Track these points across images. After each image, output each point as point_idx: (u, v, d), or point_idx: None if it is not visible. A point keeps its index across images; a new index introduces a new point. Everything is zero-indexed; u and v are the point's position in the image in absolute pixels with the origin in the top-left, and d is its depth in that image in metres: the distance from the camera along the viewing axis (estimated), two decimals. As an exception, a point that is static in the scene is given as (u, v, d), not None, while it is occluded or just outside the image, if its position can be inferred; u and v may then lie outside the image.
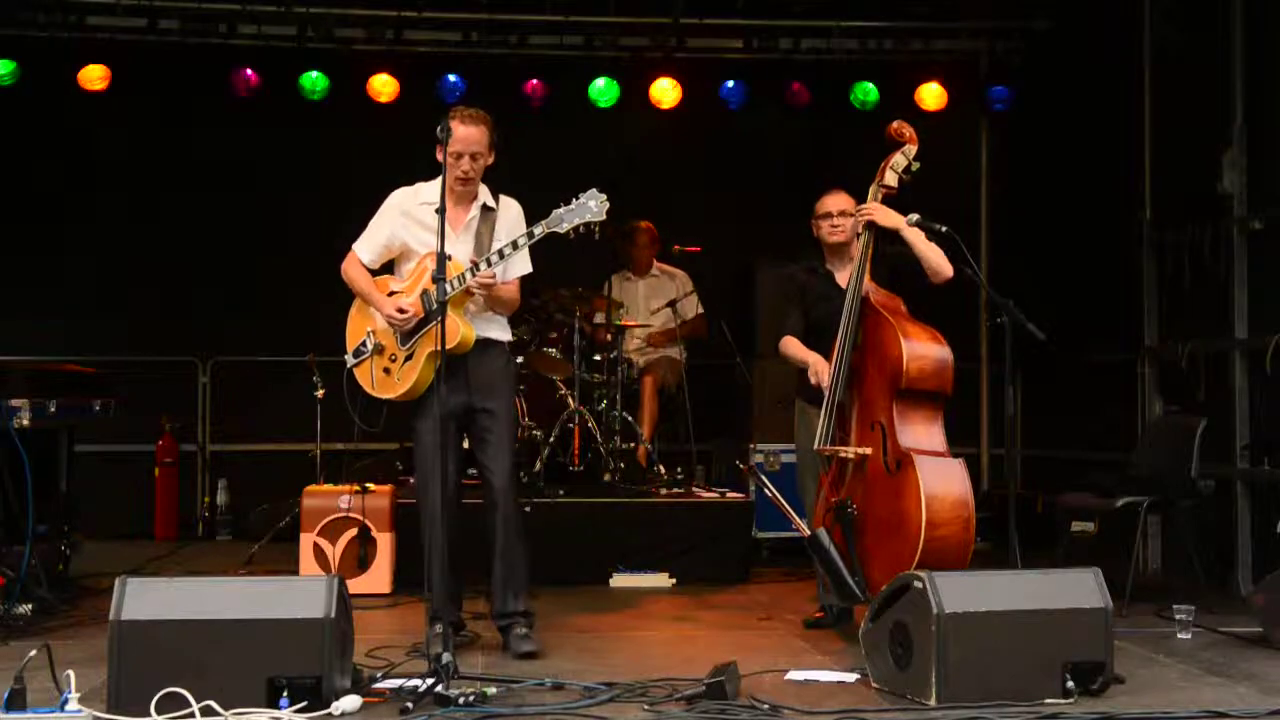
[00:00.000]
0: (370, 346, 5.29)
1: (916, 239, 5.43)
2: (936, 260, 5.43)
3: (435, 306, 4.92)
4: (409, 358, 5.18)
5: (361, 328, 5.35)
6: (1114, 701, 4.27)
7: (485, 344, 5.24)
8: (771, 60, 9.25)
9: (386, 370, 5.26)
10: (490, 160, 5.21)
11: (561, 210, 5.04)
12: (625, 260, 8.43)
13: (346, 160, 8.96)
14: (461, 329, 5.10)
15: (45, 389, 5.83)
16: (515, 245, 5.08)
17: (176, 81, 8.87)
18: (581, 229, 5.04)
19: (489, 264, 5.06)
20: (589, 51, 9.15)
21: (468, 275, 5.03)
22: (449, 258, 4.85)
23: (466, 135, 5.08)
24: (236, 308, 9.14)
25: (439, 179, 5.14)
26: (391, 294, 5.25)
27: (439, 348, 4.82)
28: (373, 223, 5.35)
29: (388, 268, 5.41)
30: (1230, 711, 4.15)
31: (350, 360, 5.37)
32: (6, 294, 8.91)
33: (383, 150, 8.72)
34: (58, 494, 6.35)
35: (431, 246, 4.97)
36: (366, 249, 5.33)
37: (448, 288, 4.91)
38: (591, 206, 5.01)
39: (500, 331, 5.35)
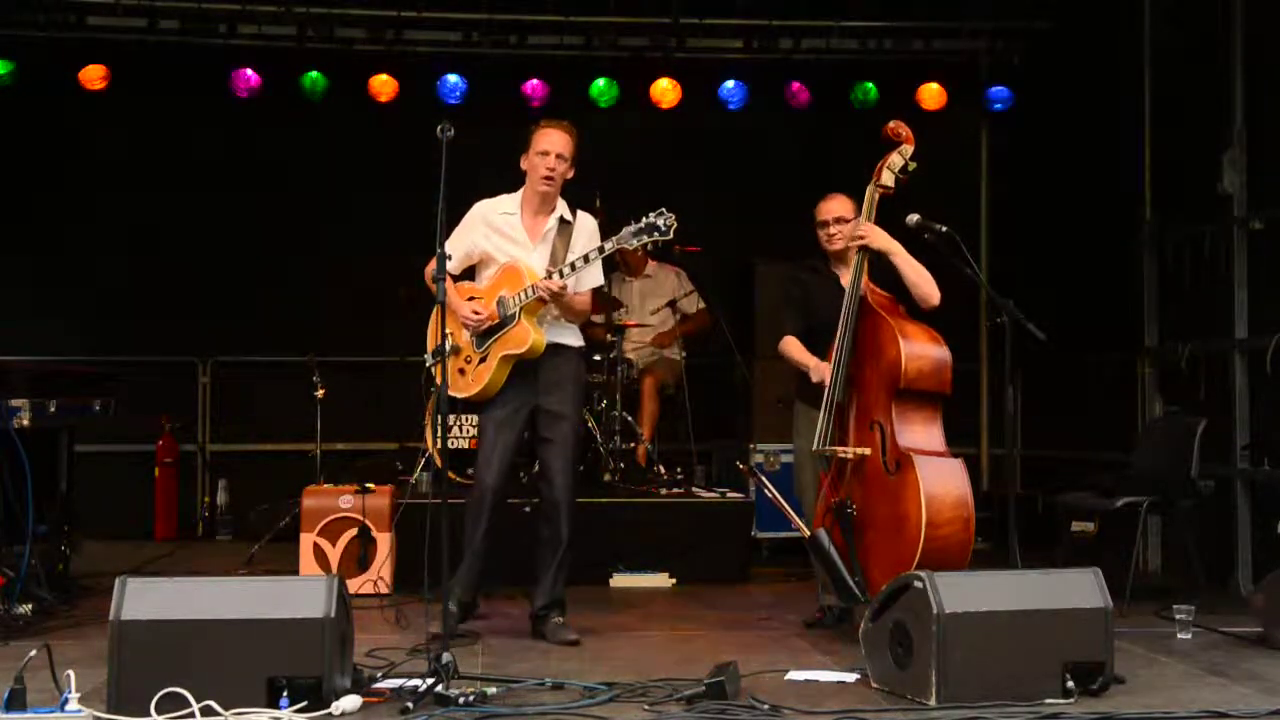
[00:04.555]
0: (449, 347, 5.46)
1: (906, 265, 5.46)
2: (925, 287, 5.44)
3: (510, 313, 5.30)
4: (483, 360, 5.41)
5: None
6: (1114, 701, 4.26)
7: (556, 349, 5.46)
8: (771, 60, 9.25)
9: (461, 371, 5.49)
10: (571, 172, 5.46)
11: (630, 229, 5.26)
12: (619, 263, 8.45)
13: (346, 160, 8.98)
14: (533, 335, 5.34)
15: (45, 389, 5.83)
16: (586, 259, 5.33)
17: (176, 81, 8.87)
18: (649, 246, 5.36)
19: (561, 275, 5.29)
20: (589, 51, 9.16)
21: (542, 284, 5.28)
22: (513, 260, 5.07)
23: (553, 136, 5.40)
24: (236, 308, 9.14)
25: (519, 191, 5.50)
26: (471, 299, 5.45)
27: (509, 351, 5.28)
28: (456, 230, 5.55)
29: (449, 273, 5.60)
30: (1231, 711, 4.15)
31: (428, 360, 5.61)
32: (6, 294, 8.92)
33: (383, 150, 8.78)
34: (58, 494, 6.35)
35: (511, 255, 5.40)
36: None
37: (522, 295, 5.27)
38: (660, 225, 5.23)
39: (572, 337, 5.56)
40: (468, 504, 5.42)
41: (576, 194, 5.65)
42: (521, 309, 5.29)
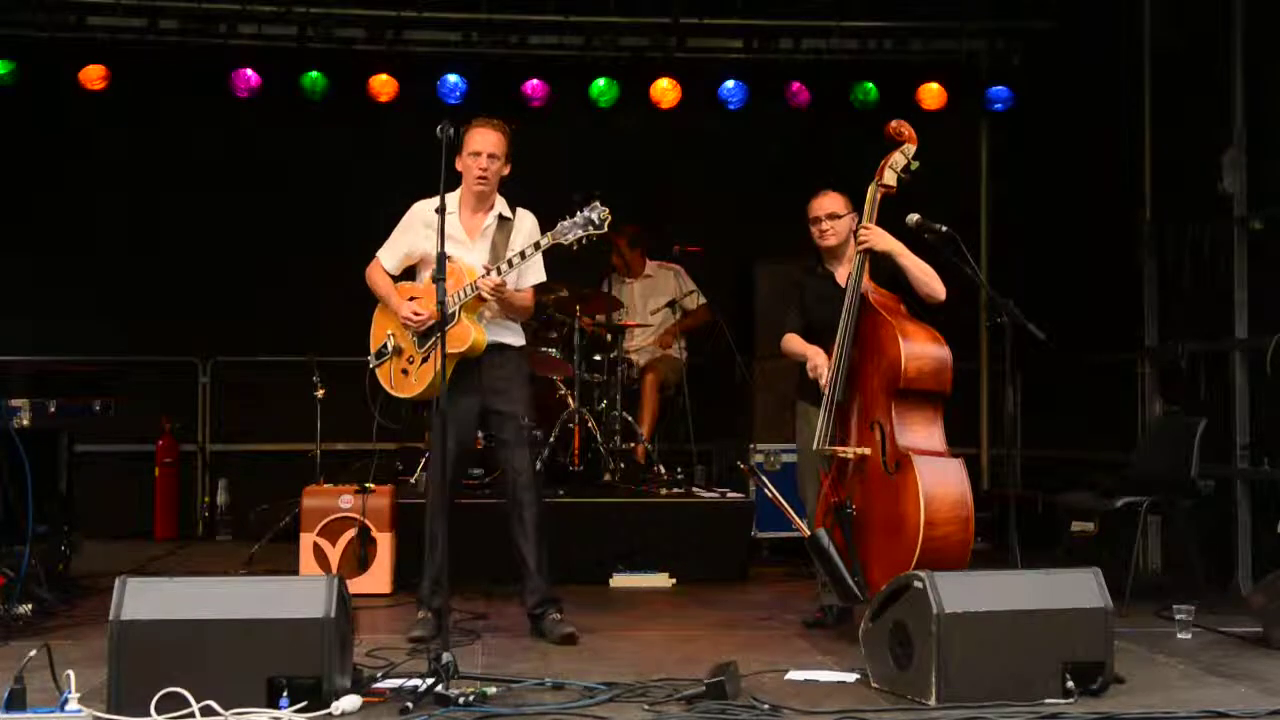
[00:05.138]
0: (390, 348, 5.52)
1: (910, 264, 5.45)
2: (931, 284, 5.44)
3: (450, 312, 5.17)
4: (425, 359, 5.38)
5: (383, 330, 5.59)
6: (1114, 701, 4.27)
7: (498, 348, 5.45)
8: (771, 60, 9.25)
9: (405, 371, 5.49)
10: (506, 169, 5.44)
11: (566, 223, 5.26)
12: (618, 266, 8.43)
13: (346, 160, 8.98)
14: (474, 333, 5.32)
15: (45, 389, 5.84)
16: (523, 255, 5.31)
17: (176, 81, 8.87)
18: (585, 240, 5.28)
19: (499, 271, 5.27)
20: (589, 51, 9.16)
21: (479, 281, 5.24)
22: (449, 257, 4.96)
23: (485, 136, 5.36)
24: (236, 308, 9.13)
25: (457, 190, 5.45)
26: (411, 299, 5.45)
27: (450, 349, 5.06)
28: (395, 231, 5.58)
29: (408, 275, 5.62)
30: (1230, 711, 4.15)
31: (372, 361, 5.63)
32: (7, 294, 8.91)
33: (383, 150, 8.78)
34: (58, 494, 6.35)
35: (450, 254, 5.20)
36: (389, 256, 5.58)
37: (461, 294, 5.22)
38: (594, 219, 5.23)
39: (513, 336, 5.55)
40: (429, 506, 5.39)
41: (577, 194, 5.59)
42: (461, 307, 5.27)
